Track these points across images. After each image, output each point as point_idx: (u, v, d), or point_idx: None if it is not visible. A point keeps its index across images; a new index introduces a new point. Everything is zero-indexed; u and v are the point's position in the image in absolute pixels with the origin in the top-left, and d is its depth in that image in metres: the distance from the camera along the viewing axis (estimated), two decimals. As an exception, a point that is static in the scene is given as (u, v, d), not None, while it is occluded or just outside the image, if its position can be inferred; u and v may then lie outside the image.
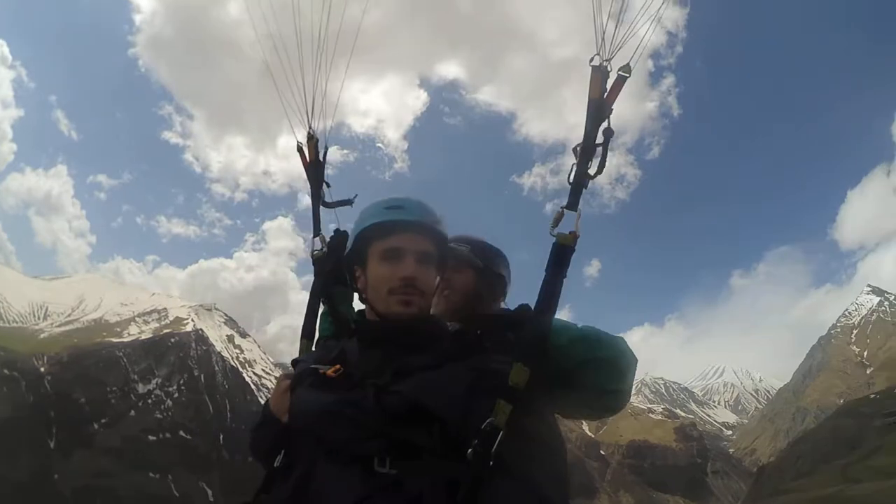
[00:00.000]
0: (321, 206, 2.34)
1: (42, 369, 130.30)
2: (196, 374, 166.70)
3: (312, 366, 1.62)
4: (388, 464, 1.32)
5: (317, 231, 2.29)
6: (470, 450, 1.30)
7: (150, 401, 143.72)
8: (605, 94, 1.63)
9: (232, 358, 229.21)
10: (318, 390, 1.54)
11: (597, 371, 1.63)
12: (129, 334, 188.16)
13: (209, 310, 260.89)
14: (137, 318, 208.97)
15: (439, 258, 1.67)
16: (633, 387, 1.78)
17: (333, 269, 2.16)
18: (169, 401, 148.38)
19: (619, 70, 1.63)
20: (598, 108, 1.62)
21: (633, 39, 1.65)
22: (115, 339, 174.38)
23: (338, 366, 1.55)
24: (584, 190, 1.60)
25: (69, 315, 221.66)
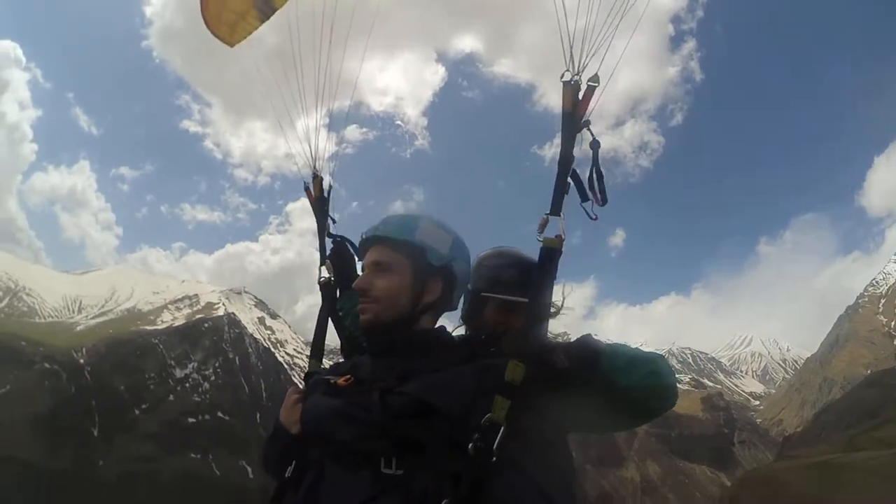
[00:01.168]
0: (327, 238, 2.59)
1: (81, 361, 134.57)
2: (231, 356, 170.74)
3: (324, 377, 1.71)
4: (395, 464, 1.36)
5: (323, 260, 2.49)
6: (471, 444, 1.33)
7: (187, 385, 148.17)
8: (577, 107, 1.68)
9: (264, 339, 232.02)
10: (328, 396, 1.61)
11: (649, 398, 1.69)
12: (163, 321, 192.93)
13: (239, 293, 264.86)
14: (170, 306, 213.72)
15: (414, 266, 1.71)
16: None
17: (339, 275, 2.46)
18: (206, 384, 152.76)
19: (587, 81, 1.67)
20: (571, 120, 1.68)
21: (602, 48, 1.69)
22: (149, 328, 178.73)
23: (348, 375, 1.63)
24: (565, 196, 1.67)
25: (103, 307, 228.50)
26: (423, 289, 1.72)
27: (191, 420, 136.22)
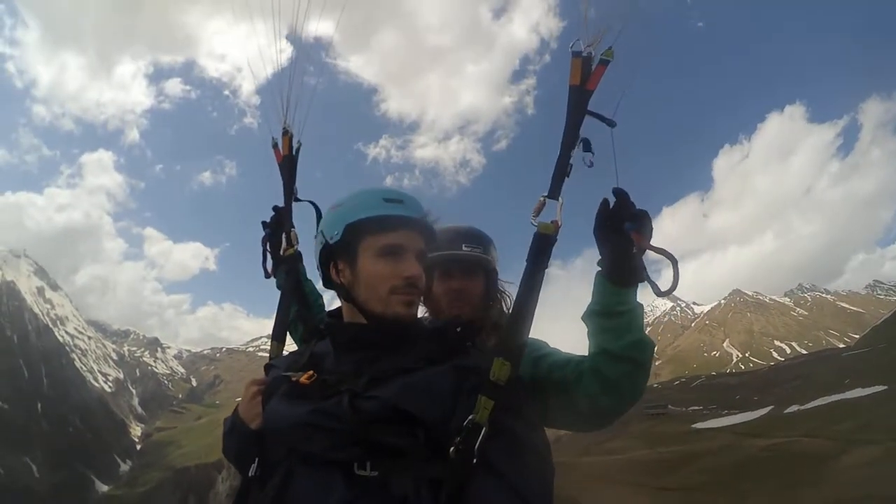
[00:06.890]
0: (293, 202, 2.23)
1: None
2: (8, 333, 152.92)
3: (284, 373, 1.50)
4: (369, 467, 1.26)
5: (289, 227, 2.19)
6: (452, 448, 1.24)
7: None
8: (586, 82, 1.54)
9: (43, 314, 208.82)
10: (291, 401, 1.42)
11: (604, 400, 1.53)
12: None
13: (18, 257, 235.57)
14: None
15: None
16: None
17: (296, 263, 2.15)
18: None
19: (601, 55, 1.53)
20: (579, 96, 1.53)
21: (618, 25, 1.53)
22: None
23: (311, 372, 1.45)
24: (566, 178, 1.52)
25: None
26: None
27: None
